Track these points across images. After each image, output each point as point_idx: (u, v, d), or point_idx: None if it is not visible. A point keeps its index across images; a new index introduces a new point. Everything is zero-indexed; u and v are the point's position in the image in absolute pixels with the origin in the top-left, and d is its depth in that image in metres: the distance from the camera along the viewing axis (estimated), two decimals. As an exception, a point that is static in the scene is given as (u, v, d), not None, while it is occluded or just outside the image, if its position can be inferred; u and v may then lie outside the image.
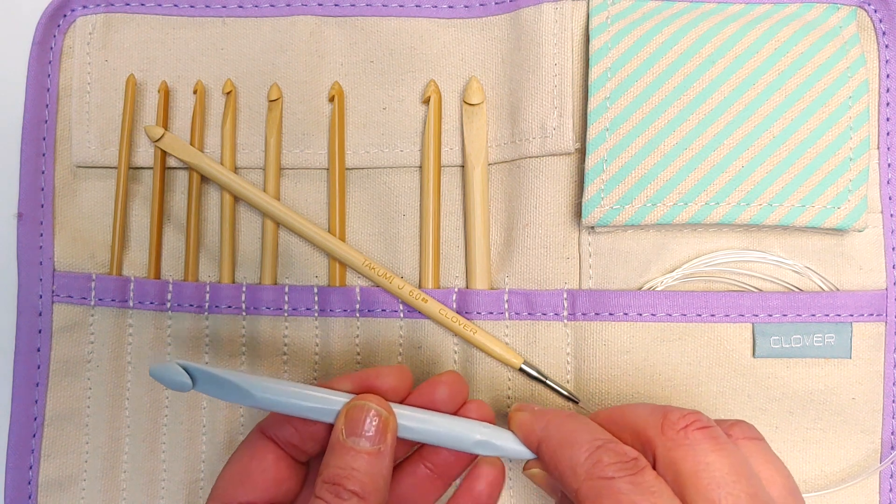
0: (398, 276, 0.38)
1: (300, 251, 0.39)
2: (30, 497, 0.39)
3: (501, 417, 0.37)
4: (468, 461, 0.32)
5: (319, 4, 0.39)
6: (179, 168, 0.39)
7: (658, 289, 0.37)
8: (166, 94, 0.39)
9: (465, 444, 0.30)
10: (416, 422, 0.30)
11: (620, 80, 0.36)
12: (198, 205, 0.39)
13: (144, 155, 0.39)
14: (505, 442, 0.31)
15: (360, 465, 0.28)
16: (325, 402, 0.30)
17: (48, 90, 0.40)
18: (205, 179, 0.39)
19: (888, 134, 0.37)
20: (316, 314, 0.38)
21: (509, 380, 0.37)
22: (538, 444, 0.30)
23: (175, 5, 0.40)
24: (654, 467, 0.27)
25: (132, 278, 0.39)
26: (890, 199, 0.37)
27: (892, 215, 0.37)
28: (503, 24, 0.38)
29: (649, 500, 0.25)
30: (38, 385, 0.39)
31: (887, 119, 0.37)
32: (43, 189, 0.40)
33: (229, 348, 0.39)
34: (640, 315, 0.36)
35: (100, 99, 0.39)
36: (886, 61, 0.37)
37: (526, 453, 0.30)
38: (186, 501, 0.39)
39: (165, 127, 0.39)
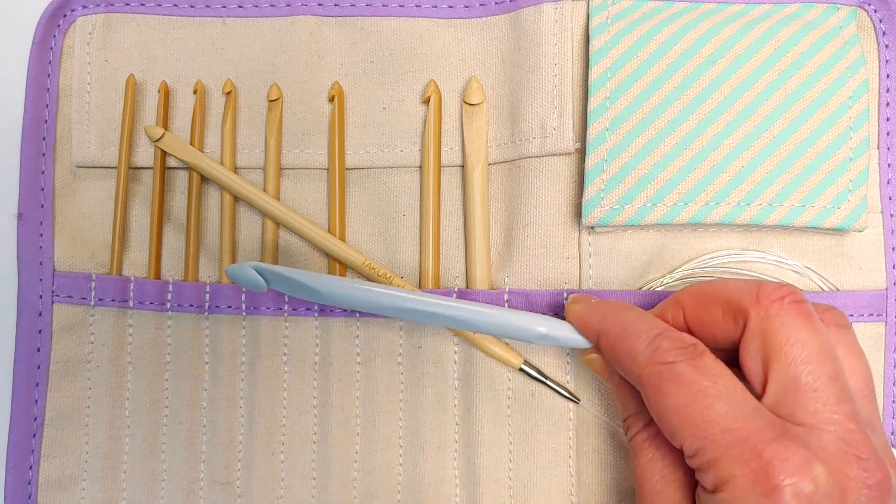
0: (398, 276, 0.38)
1: (300, 251, 0.39)
2: (30, 497, 0.39)
3: (503, 416, 0.37)
4: None
5: (319, 4, 0.39)
6: (179, 168, 0.39)
7: (658, 289, 0.37)
8: (166, 94, 0.39)
9: (529, 336, 0.32)
10: (484, 316, 0.32)
11: (620, 80, 0.36)
12: (198, 205, 0.39)
13: (144, 155, 0.39)
14: (565, 333, 0.32)
15: None
16: (391, 299, 0.32)
17: (48, 90, 0.40)
18: (205, 179, 0.39)
19: (888, 134, 0.37)
20: (316, 314, 0.38)
21: (509, 380, 0.37)
22: (597, 336, 0.31)
23: (175, 5, 0.40)
24: (741, 336, 0.28)
25: (132, 278, 0.39)
26: (890, 199, 0.37)
27: (892, 215, 0.37)
28: (503, 24, 0.38)
29: (710, 379, 0.26)
30: (38, 385, 0.39)
31: (887, 119, 0.37)
32: (43, 189, 0.40)
33: (229, 348, 0.39)
34: (640, 315, 0.36)
35: (100, 99, 0.39)
36: (886, 61, 0.37)
37: (584, 343, 0.32)
38: (186, 501, 0.39)
39: (165, 127, 0.39)
